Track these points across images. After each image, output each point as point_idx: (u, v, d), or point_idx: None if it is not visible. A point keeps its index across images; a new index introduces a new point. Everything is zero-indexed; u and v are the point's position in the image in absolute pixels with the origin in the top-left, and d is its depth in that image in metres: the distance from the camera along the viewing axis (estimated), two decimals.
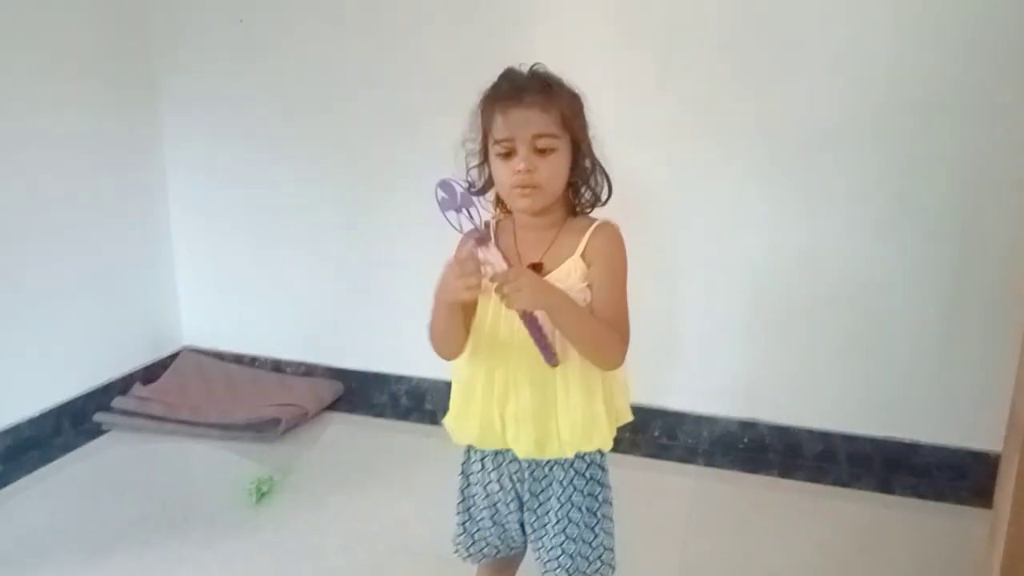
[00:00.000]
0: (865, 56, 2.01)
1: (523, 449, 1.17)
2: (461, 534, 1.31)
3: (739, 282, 2.23)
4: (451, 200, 1.11)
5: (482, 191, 1.20)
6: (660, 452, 2.32)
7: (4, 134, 2.12)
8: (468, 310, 1.16)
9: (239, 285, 2.71)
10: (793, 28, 2.04)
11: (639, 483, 2.17)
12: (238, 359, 2.74)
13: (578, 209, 1.22)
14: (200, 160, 2.64)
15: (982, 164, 1.99)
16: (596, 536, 1.23)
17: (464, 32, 2.24)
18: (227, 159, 2.60)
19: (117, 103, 2.48)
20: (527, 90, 1.12)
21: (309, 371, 2.67)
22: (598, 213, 1.25)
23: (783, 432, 2.27)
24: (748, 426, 2.30)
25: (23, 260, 2.20)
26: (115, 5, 2.43)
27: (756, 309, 2.23)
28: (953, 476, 2.14)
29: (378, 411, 2.56)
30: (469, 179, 1.20)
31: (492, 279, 1.07)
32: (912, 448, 2.18)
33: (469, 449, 1.29)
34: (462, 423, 1.21)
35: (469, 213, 1.10)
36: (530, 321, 1.11)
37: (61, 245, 2.32)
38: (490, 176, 1.19)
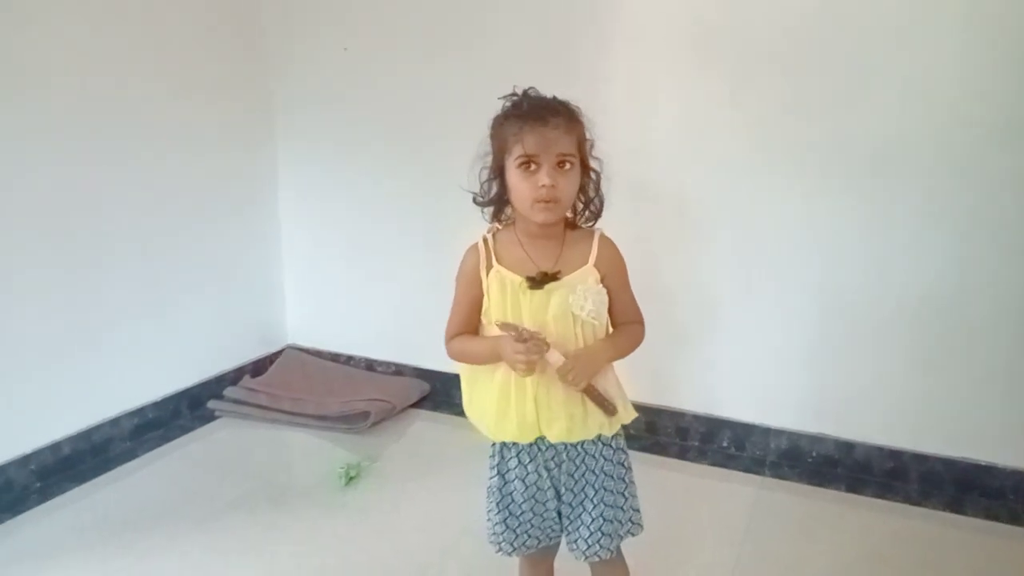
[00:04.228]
0: (935, 76, 2.04)
1: (556, 435, 1.30)
2: (503, 531, 1.39)
3: (809, 297, 2.27)
4: (514, 329, 1.25)
5: (489, 203, 1.33)
6: (727, 461, 2.38)
7: (143, 150, 2.42)
8: (478, 314, 1.34)
9: (338, 291, 2.95)
10: (863, 50, 2.09)
11: (703, 489, 2.25)
12: (335, 357, 2.98)
13: (578, 222, 1.35)
14: (308, 182, 2.90)
15: None
16: (627, 500, 1.38)
17: (550, 52, 2.37)
18: (332, 180, 2.85)
19: (238, 125, 2.77)
20: (554, 112, 1.25)
21: (399, 370, 2.88)
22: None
23: (851, 448, 2.29)
24: (816, 440, 2.33)
25: (155, 265, 2.50)
26: (239, 36, 2.73)
27: (826, 324, 2.27)
28: None
29: (459, 410, 2.66)
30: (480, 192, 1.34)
31: (558, 372, 1.25)
32: (986, 470, 2.16)
33: (502, 449, 1.38)
34: (502, 423, 1.32)
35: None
36: (588, 390, 1.28)
37: (188, 254, 2.61)
38: (500, 189, 1.31)
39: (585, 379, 1.26)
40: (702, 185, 2.33)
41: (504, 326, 1.26)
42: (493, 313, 1.30)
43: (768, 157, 2.24)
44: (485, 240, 1.34)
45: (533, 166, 1.23)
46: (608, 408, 1.30)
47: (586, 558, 1.38)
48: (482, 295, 1.32)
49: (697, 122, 2.28)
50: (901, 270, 2.16)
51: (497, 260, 1.32)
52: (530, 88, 1.31)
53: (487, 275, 1.31)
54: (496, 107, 1.33)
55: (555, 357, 1.25)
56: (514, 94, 1.31)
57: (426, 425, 2.63)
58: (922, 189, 2.10)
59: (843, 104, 2.13)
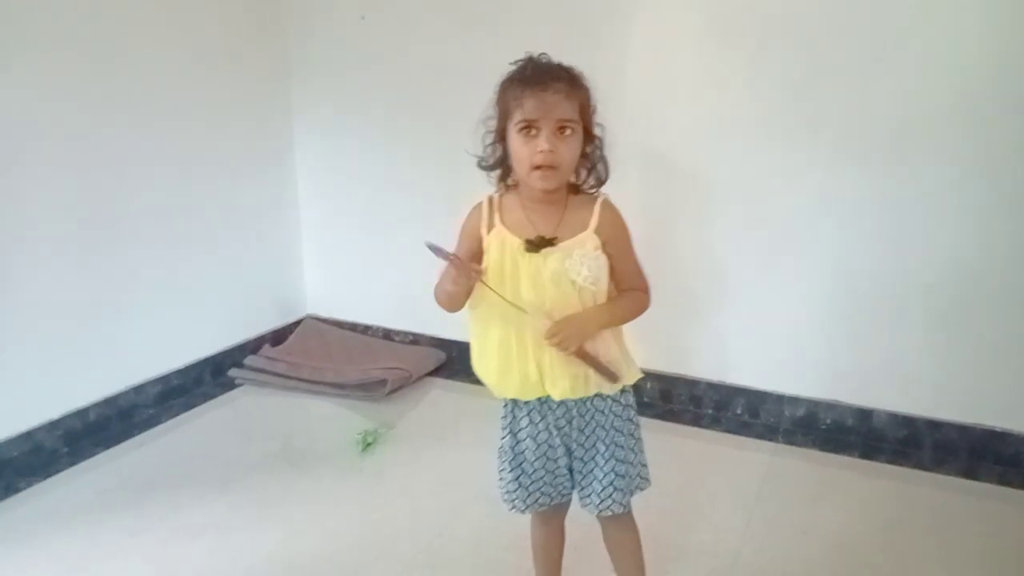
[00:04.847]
0: (954, 49, 2.00)
1: (559, 392, 1.32)
2: (516, 489, 1.41)
3: (825, 268, 2.26)
4: (441, 251, 1.26)
5: (492, 167, 1.35)
6: (741, 429, 2.39)
7: (160, 119, 2.44)
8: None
9: (356, 262, 2.98)
10: (881, 22, 2.05)
11: (716, 456, 2.26)
12: (353, 327, 3.01)
13: (581, 188, 1.35)
14: (325, 152, 2.91)
15: None
16: (636, 455, 1.40)
17: (568, 24, 2.35)
18: (348, 150, 2.86)
19: (255, 94, 2.79)
20: (555, 78, 1.25)
21: (415, 340, 2.91)
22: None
23: (866, 415, 2.29)
24: (830, 407, 2.34)
25: (175, 235, 2.54)
26: (256, 1, 2.73)
27: (843, 293, 2.26)
28: None
29: (475, 378, 2.68)
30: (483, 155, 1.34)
31: (545, 336, 1.25)
32: (1001, 436, 2.15)
33: (513, 409, 1.40)
34: (504, 380, 1.34)
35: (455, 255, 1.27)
36: (583, 355, 1.28)
37: (208, 225, 2.65)
38: (502, 154, 1.32)
39: (573, 344, 1.27)
40: (718, 156, 2.31)
41: (434, 248, 1.25)
42: (492, 274, 1.31)
43: (785, 129, 2.22)
44: (491, 199, 1.36)
45: (533, 131, 1.24)
46: (604, 371, 1.31)
47: (599, 512, 1.40)
48: (479, 250, 1.34)
49: (714, 94, 2.26)
50: (918, 242, 2.14)
51: (500, 221, 1.33)
52: (541, 54, 1.31)
53: (488, 234, 1.33)
54: None
55: (541, 322, 1.27)
56: (522, 59, 1.31)
57: (442, 393, 2.67)
58: (940, 162, 2.08)
59: (861, 77, 2.10)
